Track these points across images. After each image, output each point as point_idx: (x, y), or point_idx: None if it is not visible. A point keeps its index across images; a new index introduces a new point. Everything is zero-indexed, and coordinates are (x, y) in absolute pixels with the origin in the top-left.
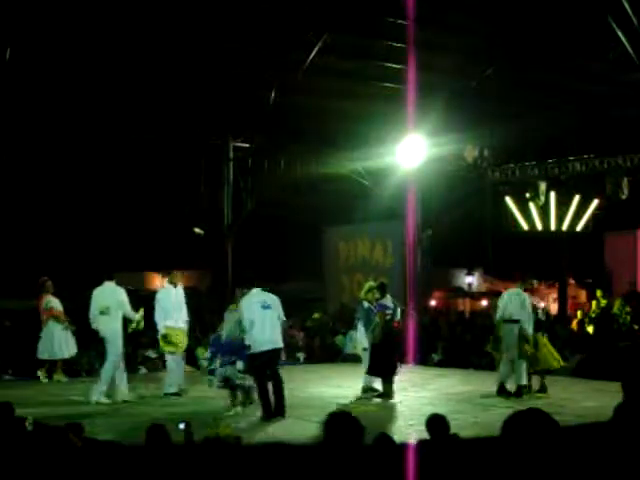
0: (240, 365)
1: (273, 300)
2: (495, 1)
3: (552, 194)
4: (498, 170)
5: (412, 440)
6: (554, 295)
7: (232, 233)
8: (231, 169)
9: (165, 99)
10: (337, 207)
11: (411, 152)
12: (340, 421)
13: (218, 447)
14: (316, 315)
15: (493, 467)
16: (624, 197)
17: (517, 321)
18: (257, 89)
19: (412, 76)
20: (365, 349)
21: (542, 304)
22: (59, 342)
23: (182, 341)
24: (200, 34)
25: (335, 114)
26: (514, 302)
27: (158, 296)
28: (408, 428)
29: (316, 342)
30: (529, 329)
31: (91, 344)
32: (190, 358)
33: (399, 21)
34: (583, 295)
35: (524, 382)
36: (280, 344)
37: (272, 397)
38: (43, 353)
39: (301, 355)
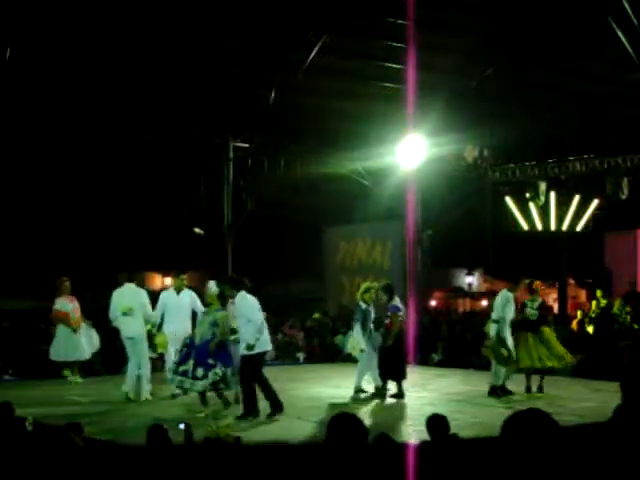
0: (229, 370)
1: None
2: (495, 1)
3: (552, 194)
4: (498, 170)
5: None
6: (554, 295)
7: (232, 233)
8: (231, 169)
9: (165, 99)
10: (337, 207)
11: (411, 152)
12: (345, 422)
13: (218, 447)
14: (316, 315)
15: (493, 467)
16: (624, 197)
17: (497, 322)
18: (257, 89)
19: (412, 76)
20: (363, 350)
21: (536, 303)
22: (65, 345)
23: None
24: (200, 34)
25: (335, 114)
26: (497, 302)
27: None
28: (408, 428)
29: (316, 342)
30: (504, 330)
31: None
32: None
33: (399, 21)
34: (583, 295)
35: (496, 382)
36: None
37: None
38: (54, 355)
39: (301, 355)
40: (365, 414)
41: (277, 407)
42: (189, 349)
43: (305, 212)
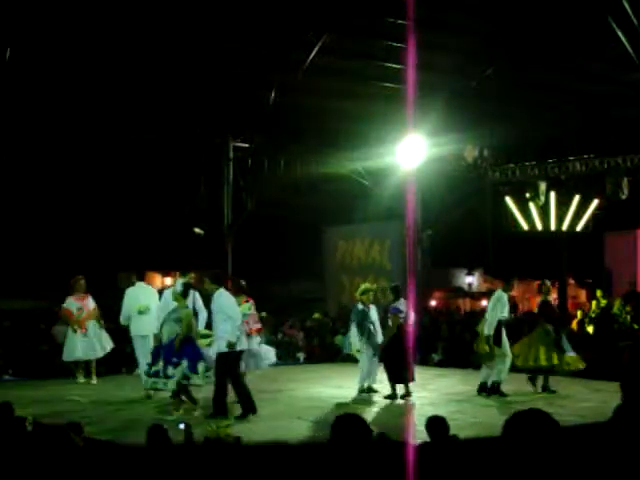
0: (200, 365)
1: None
2: (495, 1)
3: (552, 194)
4: (498, 170)
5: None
6: (554, 295)
7: (232, 233)
8: (231, 169)
9: (165, 99)
10: (337, 207)
11: (411, 152)
12: (349, 423)
13: (218, 447)
14: (316, 315)
15: (493, 468)
16: (624, 197)
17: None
18: (257, 89)
19: (412, 76)
20: (359, 351)
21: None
22: (67, 344)
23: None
24: (200, 34)
25: (335, 114)
26: (489, 303)
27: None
28: (408, 428)
29: (316, 342)
30: (486, 328)
31: None
32: None
33: (399, 21)
34: (583, 295)
35: (481, 380)
36: None
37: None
38: (64, 355)
39: (301, 355)
40: (365, 414)
41: (249, 409)
42: (158, 349)
43: (305, 212)
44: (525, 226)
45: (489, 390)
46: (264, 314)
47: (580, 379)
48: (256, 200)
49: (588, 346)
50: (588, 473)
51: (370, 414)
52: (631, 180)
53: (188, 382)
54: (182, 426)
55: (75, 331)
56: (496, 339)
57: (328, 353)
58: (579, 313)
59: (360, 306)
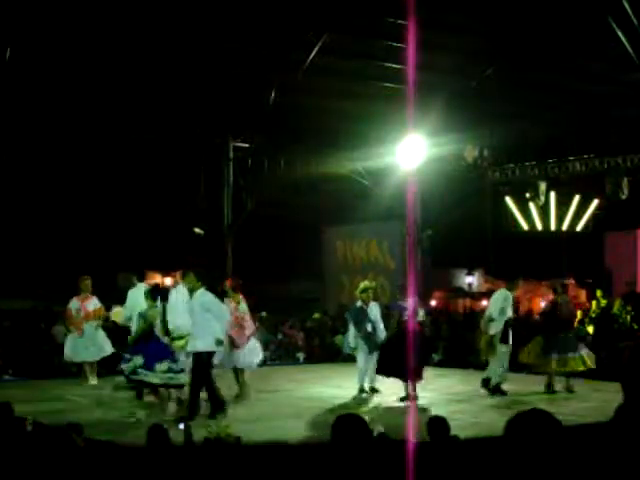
0: (161, 365)
1: None
2: (495, 1)
3: (552, 194)
4: (498, 170)
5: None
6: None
7: (232, 233)
8: (231, 169)
9: (165, 99)
10: (337, 207)
11: (411, 152)
12: (349, 423)
13: (218, 447)
14: (316, 315)
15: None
16: (624, 197)
17: (493, 319)
18: (257, 89)
19: (412, 76)
20: (354, 349)
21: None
22: (67, 345)
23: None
24: (200, 34)
25: (335, 114)
26: (495, 300)
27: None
28: (408, 428)
29: (316, 342)
30: (492, 328)
31: None
32: None
33: (399, 21)
34: (583, 295)
35: (485, 375)
36: None
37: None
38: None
39: (301, 355)
40: (365, 414)
41: (218, 408)
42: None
43: (305, 212)
44: (525, 226)
45: (492, 390)
46: (264, 314)
47: (580, 379)
48: (256, 200)
49: (588, 346)
50: (590, 473)
51: (370, 414)
52: (631, 180)
53: (136, 377)
54: (182, 426)
55: (70, 332)
56: (503, 337)
57: (328, 353)
58: (579, 313)
59: (359, 304)
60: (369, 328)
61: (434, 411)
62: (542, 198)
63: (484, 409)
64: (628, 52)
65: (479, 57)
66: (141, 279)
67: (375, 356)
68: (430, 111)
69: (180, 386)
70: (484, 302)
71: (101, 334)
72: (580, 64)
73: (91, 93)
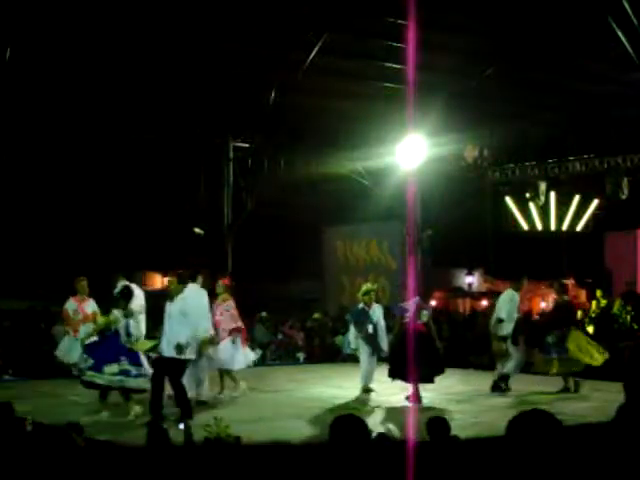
0: (110, 368)
1: None
2: (495, 1)
3: (552, 194)
4: (498, 170)
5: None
6: (554, 295)
7: (232, 233)
8: (231, 169)
9: (165, 99)
10: (337, 207)
11: (411, 152)
12: (348, 423)
13: (218, 447)
14: (316, 315)
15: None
16: (624, 197)
17: (502, 320)
18: (257, 89)
19: (412, 76)
20: (354, 350)
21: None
22: (62, 345)
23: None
24: (200, 34)
25: (335, 114)
26: (502, 301)
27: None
28: (408, 428)
29: (316, 342)
30: (504, 329)
31: None
32: None
33: (399, 21)
34: (583, 295)
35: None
36: None
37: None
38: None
39: (301, 355)
40: (365, 414)
41: (186, 413)
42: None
43: (305, 212)
44: (525, 226)
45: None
46: (264, 314)
47: (580, 379)
48: (256, 200)
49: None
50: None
51: (370, 414)
52: (631, 180)
53: (85, 378)
54: (182, 426)
55: (68, 332)
56: (514, 338)
57: (328, 353)
58: (579, 313)
59: (360, 306)
60: (370, 329)
61: (434, 411)
62: (542, 198)
63: (484, 409)
64: (628, 52)
65: (479, 57)
66: (129, 279)
67: (375, 357)
68: (430, 111)
69: (135, 391)
70: (484, 302)
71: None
72: (580, 64)
73: (91, 93)
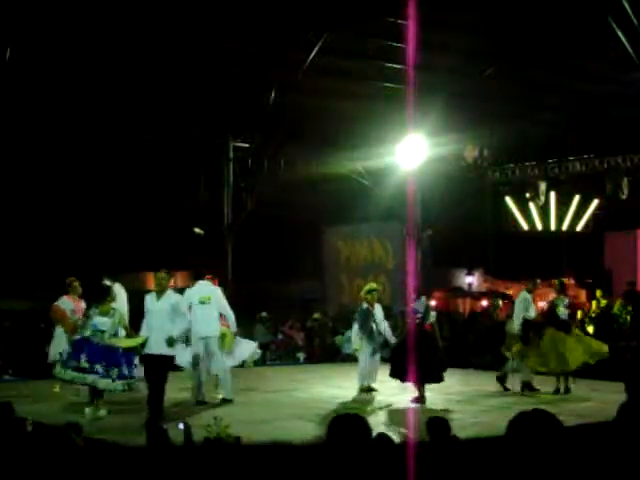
0: (71, 362)
1: None
2: (495, 1)
3: (552, 194)
4: (498, 170)
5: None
6: (554, 295)
7: (232, 233)
8: (231, 169)
9: (165, 99)
10: (337, 207)
11: (411, 152)
12: (348, 423)
13: (218, 447)
14: (316, 315)
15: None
16: (624, 197)
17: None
18: (257, 89)
19: (412, 76)
20: (356, 350)
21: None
22: (57, 346)
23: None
24: (200, 34)
25: (335, 114)
26: (517, 303)
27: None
28: (408, 428)
29: (316, 342)
30: (516, 330)
31: None
32: None
33: (399, 21)
34: (583, 295)
35: (523, 378)
36: None
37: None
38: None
39: (301, 355)
40: (365, 414)
41: (157, 414)
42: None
43: (305, 212)
44: (525, 226)
45: (523, 387)
46: (264, 314)
47: (580, 379)
48: (256, 200)
49: None
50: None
51: (370, 414)
52: (631, 180)
53: (56, 374)
54: (182, 426)
55: (66, 332)
56: (524, 339)
57: (328, 353)
58: (579, 313)
59: (365, 306)
60: (373, 329)
61: (434, 411)
62: (542, 198)
63: (484, 409)
64: (628, 52)
65: (479, 57)
66: (114, 279)
67: (378, 357)
68: (430, 111)
69: (101, 393)
70: (484, 302)
71: None
72: (580, 64)
73: (91, 93)
